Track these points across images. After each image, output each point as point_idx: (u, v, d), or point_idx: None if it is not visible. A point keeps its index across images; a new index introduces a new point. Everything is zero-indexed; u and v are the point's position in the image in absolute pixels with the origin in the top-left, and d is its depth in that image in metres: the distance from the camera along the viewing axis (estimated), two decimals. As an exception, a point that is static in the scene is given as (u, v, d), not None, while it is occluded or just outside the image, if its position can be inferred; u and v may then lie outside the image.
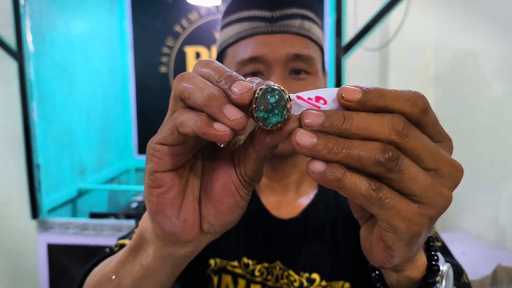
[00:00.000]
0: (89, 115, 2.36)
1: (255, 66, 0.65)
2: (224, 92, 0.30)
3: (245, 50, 0.65)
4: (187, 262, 0.41)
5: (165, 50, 2.71)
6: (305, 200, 0.73)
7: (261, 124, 0.30)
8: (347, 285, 0.67)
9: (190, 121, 0.30)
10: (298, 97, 0.30)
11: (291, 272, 0.67)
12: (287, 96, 0.30)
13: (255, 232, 0.69)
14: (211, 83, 0.31)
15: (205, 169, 0.37)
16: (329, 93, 0.30)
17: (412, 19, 2.20)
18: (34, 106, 1.80)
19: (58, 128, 2.06)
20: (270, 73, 0.65)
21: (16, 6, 1.71)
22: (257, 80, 0.32)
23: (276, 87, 0.29)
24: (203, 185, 0.37)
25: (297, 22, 0.66)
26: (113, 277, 0.44)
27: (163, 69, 2.73)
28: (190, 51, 2.69)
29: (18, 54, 1.75)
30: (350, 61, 1.65)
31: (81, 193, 2.24)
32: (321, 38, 0.71)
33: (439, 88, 2.38)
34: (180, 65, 2.71)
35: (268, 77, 0.65)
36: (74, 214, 2.21)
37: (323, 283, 0.66)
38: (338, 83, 1.49)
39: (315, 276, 0.67)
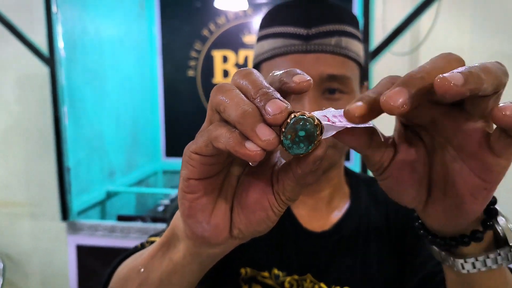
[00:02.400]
0: (118, 118, 2.40)
1: None
2: (259, 110, 0.29)
3: (279, 69, 0.64)
4: (215, 261, 0.41)
5: (193, 54, 2.73)
6: (337, 213, 0.73)
7: (284, 149, 0.30)
8: None
9: (223, 137, 0.30)
10: (328, 120, 0.30)
11: (323, 285, 0.67)
12: (318, 132, 0.29)
13: (287, 243, 0.69)
14: (248, 97, 0.30)
15: (241, 179, 0.37)
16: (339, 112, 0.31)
17: (444, 21, 2.13)
18: (65, 110, 1.85)
19: (89, 132, 2.10)
20: (303, 94, 0.64)
21: (49, 13, 1.77)
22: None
23: (309, 121, 0.29)
24: (237, 195, 0.37)
25: (333, 40, 0.63)
26: (142, 270, 0.45)
27: (190, 72, 2.76)
28: (217, 55, 2.71)
29: (50, 60, 1.80)
30: (378, 67, 1.62)
31: (110, 195, 2.28)
32: (361, 53, 0.69)
33: (472, 92, 2.30)
34: (208, 68, 2.73)
35: (300, 97, 0.63)
36: (103, 216, 2.25)
37: None
38: (365, 89, 1.46)
39: None
